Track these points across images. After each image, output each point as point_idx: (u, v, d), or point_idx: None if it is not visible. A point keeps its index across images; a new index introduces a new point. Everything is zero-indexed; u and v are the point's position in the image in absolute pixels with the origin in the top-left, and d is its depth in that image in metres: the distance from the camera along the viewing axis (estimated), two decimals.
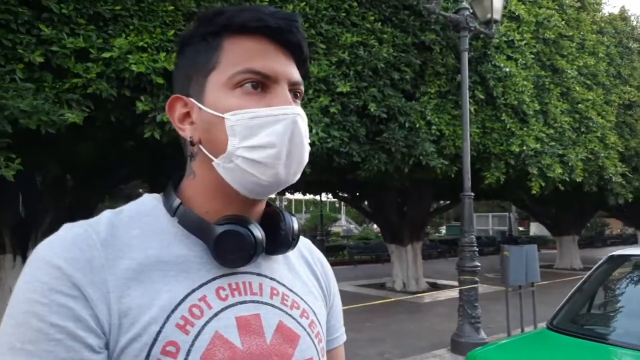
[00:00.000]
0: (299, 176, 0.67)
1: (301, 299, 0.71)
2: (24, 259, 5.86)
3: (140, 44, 4.07)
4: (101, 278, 0.56)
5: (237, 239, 0.62)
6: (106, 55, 3.88)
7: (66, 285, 0.54)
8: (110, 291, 0.56)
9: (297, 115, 0.64)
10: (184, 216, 0.65)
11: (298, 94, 0.69)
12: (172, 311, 0.58)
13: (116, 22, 4.10)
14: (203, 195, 0.66)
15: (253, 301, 0.65)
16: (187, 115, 0.67)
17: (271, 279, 0.69)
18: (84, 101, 3.89)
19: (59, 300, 0.54)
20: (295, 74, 0.67)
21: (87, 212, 6.76)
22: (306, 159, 0.67)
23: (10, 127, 3.45)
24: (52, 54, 3.76)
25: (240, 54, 0.64)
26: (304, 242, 0.81)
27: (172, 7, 4.33)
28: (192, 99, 0.66)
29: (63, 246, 0.57)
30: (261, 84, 0.64)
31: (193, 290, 0.61)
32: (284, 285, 0.70)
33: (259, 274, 0.68)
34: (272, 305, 0.66)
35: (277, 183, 0.64)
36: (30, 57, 3.62)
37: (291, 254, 0.74)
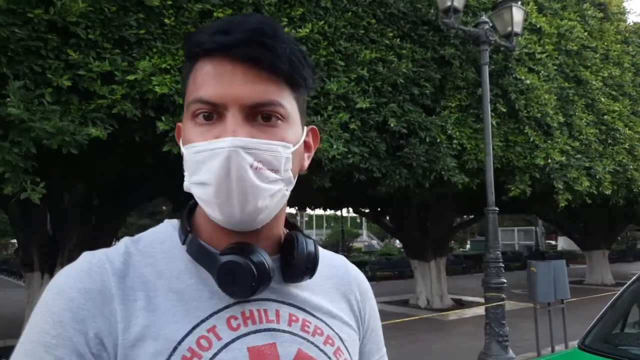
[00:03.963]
0: (261, 219, 0.60)
1: (325, 324, 0.67)
2: (52, 276, 5.96)
3: (164, 65, 4.17)
4: (110, 309, 0.57)
5: (236, 270, 0.59)
6: (131, 77, 3.99)
7: (75, 319, 0.55)
8: (119, 321, 0.56)
9: (233, 149, 0.55)
10: (190, 245, 0.63)
11: (274, 117, 0.59)
12: (179, 343, 0.57)
13: (140, 46, 4.22)
14: (205, 221, 0.64)
15: (268, 329, 0.62)
16: None
17: (289, 304, 0.66)
18: (108, 120, 3.99)
19: (66, 333, 0.55)
20: (255, 95, 0.57)
21: (112, 230, 6.88)
22: (257, 199, 0.58)
23: (34, 148, 3.56)
24: (79, 77, 3.88)
25: (197, 81, 0.59)
26: (337, 262, 0.77)
27: (194, 30, 4.44)
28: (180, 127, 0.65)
29: (77, 276, 0.58)
30: (216, 113, 0.58)
31: (202, 321, 0.59)
32: (305, 310, 0.66)
33: (275, 300, 0.65)
34: (291, 333, 0.63)
35: (233, 222, 0.59)
36: (58, 81, 3.75)
37: (318, 276, 0.69)
